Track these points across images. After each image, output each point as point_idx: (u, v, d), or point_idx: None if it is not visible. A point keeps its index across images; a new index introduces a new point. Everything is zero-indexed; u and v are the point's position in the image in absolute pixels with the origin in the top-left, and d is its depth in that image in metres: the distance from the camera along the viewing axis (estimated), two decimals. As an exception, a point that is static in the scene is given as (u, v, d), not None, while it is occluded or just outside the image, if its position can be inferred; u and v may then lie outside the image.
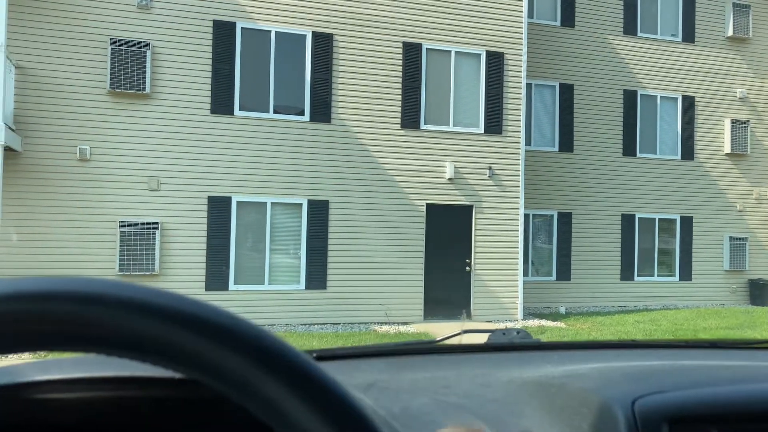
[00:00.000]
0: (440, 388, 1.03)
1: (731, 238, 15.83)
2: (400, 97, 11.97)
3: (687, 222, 15.59)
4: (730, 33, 16.00)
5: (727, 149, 15.86)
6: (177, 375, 0.85)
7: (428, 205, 12.04)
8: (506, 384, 1.00)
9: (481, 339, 1.55)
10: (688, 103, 15.72)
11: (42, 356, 6.80)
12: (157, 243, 10.57)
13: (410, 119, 11.99)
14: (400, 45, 12.00)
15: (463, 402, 0.96)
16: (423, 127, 12.08)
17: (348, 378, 1.05)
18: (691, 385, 0.85)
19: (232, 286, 10.95)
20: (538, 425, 0.85)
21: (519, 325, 11.83)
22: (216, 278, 10.85)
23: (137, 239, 10.45)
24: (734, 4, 16.01)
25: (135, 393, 0.89)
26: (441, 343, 1.51)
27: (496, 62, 12.52)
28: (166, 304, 0.40)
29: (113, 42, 10.47)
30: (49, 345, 0.39)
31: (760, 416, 0.81)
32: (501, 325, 10.69)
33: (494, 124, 12.46)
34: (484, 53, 12.47)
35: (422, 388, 1.04)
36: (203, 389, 0.86)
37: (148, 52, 10.61)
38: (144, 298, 0.39)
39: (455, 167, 12.14)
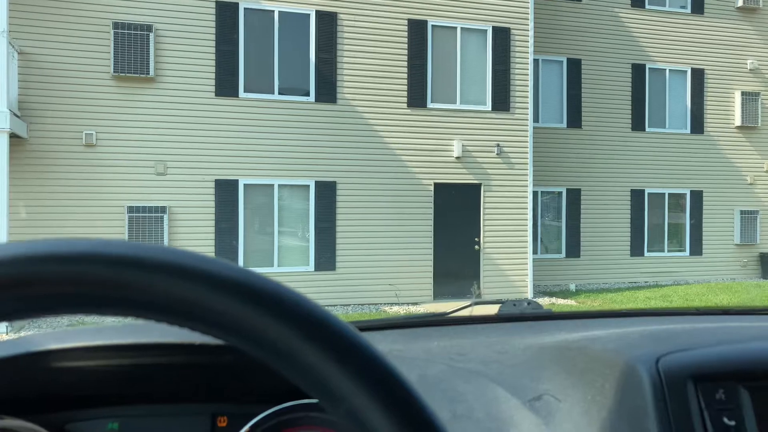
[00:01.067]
0: (455, 356, 1.03)
1: (742, 212, 15.71)
2: (406, 76, 11.87)
3: (697, 196, 15.48)
4: (740, 3, 15.75)
5: (738, 122, 15.69)
6: (199, 341, 0.85)
7: (436, 184, 12.00)
8: (523, 350, 0.99)
9: (492, 311, 1.54)
10: (698, 75, 15.52)
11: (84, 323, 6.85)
12: (165, 227, 10.60)
13: (417, 98, 11.90)
14: (405, 22, 11.88)
15: (480, 368, 0.95)
16: (430, 105, 11.99)
17: None
18: (714, 342, 0.83)
19: (241, 269, 10.97)
20: (558, 388, 0.83)
21: (529, 302, 11.83)
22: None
23: (145, 224, 10.48)
24: (744, -26, 15.75)
25: (155, 360, 0.90)
26: (452, 314, 1.50)
27: (502, 38, 12.38)
28: (208, 268, 0.38)
29: (116, 25, 10.42)
30: (87, 308, 0.38)
31: None
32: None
33: (502, 101, 12.35)
34: (491, 29, 12.33)
35: (437, 356, 1.04)
36: (225, 355, 0.87)
37: (151, 35, 10.55)
38: (185, 262, 0.38)
39: (463, 145, 12.07)
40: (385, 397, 0.40)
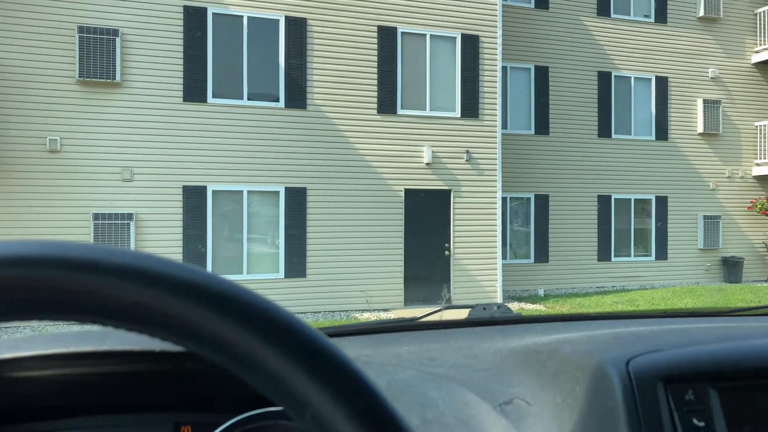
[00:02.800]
0: (426, 361, 1.02)
1: (705, 217, 16.07)
2: (376, 82, 11.90)
3: (662, 202, 15.79)
4: (701, 13, 16.14)
5: (700, 129, 16.06)
6: (160, 348, 0.82)
7: (406, 190, 12.03)
8: (493, 354, 0.98)
9: (462, 316, 1.54)
10: (662, 83, 15.86)
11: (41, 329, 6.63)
12: (132, 234, 10.43)
13: (387, 104, 11.93)
14: (375, 29, 11.91)
15: (450, 373, 0.94)
16: (400, 111, 12.03)
17: None
18: (683, 344, 0.84)
19: (210, 276, 10.83)
20: (529, 392, 0.83)
21: (499, 307, 11.90)
22: (193, 268, 10.73)
23: (111, 231, 10.30)
24: (705, -15, 16.17)
25: (115, 368, 0.87)
26: (422, 319, 1.49)
27: (471, 45, 12.49)
28: (167, 271, 0.37)
29: (81, 29, 10.24)
30: (42, 314, 0.36)
31: (754, 372, 0.80)
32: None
33: (471, 107, 12.45)
34: (459, 36, 12.44)
35: (407, 361, 1.03)
36: (188, 362, 0.85)
37: (118, 40, 10.40)
38: (142, 265, 0.37)
39: (433, 152, 12.12)
40: (353, 404, 0.39)
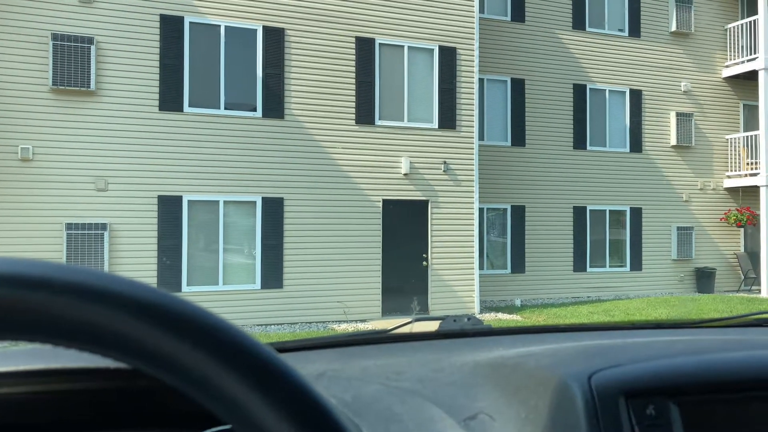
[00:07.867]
0: (392, 375, 1.02)
1: (678, 228, 16.31)
2: (353, 93, 11.92)
3: (636, 213, 16.00)
4: (673, 28, 16.46)
5: (673, 141, 16.33)
6: (114, 365, 0.80)
7: (384, 201, 12.04)
8: (459, 368, 0.98)
9: (433, 328, 1.53)
10: (636, 96, 16.11)
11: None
12: (106, 245, 10.28)
13: (364, 115, 11.96)
14: (353, 40, 11.95)
15: (416, 387, 0.94)
16: (378, 122, 12.06)
17: (297, 369, 1.01)
18: (646, 358, 0.84)
19: (185, 288, 10.73)
20: (493, 407, 0.83)
21: (476, 318, 11.92)
22: (168, 280, 10.62)
23: (85, 241, 10.15)
24: (677, 0, 16.48)
25: (66, 386, 0.85)
26: (392, 332, 1.48)
27: (448, 57, 12.58)
28: (120, 289, 0.36)
29: (55, 37, 10.13)
30: None
31: (715, 386, 0.81)
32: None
33: (448, 119, 12.53)
34: (437, 48, 12.52)
35: (374, 375, 1.02)
36: (140, 379, 0.83)
37: (93, 48, 10.30)
38: (95, 283, 0.36)
39: (410, 162, 12.16)
40: (308, 426, 0.38)
